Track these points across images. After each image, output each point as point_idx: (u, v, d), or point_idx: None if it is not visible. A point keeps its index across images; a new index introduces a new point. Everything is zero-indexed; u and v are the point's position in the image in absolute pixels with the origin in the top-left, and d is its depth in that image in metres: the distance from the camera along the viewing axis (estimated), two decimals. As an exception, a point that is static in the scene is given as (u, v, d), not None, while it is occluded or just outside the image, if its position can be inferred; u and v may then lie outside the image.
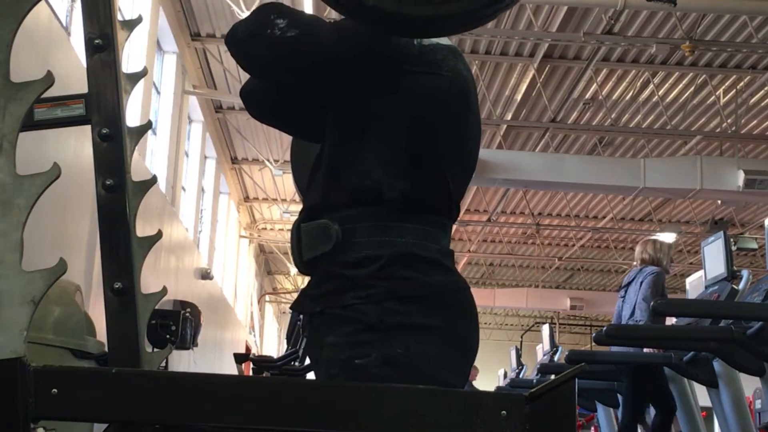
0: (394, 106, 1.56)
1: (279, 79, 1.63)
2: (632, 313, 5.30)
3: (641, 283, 5.29)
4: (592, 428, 10.08)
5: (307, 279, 1.66)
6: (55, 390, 1.18)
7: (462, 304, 1.59)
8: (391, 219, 1.54)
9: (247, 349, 16.72)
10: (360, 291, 1.51)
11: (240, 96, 1.73)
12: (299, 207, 1.69)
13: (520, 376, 9.75)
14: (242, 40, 1.56)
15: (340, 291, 1.53)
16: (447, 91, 1.59)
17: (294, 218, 2.20)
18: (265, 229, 18.75)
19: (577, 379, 1.17)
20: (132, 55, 8.35)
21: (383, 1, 1.40)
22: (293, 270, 17.93)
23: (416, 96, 1.56)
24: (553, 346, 8.37)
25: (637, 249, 5.60)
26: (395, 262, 1.52)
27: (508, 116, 12.33)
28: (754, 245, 15.57)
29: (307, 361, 5.59)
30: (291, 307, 1.76)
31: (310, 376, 5.25)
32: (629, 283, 5.46)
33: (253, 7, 9.64)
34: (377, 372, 1.46)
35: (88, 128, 1.87)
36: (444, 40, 1.66)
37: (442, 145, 1.59)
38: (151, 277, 7.38)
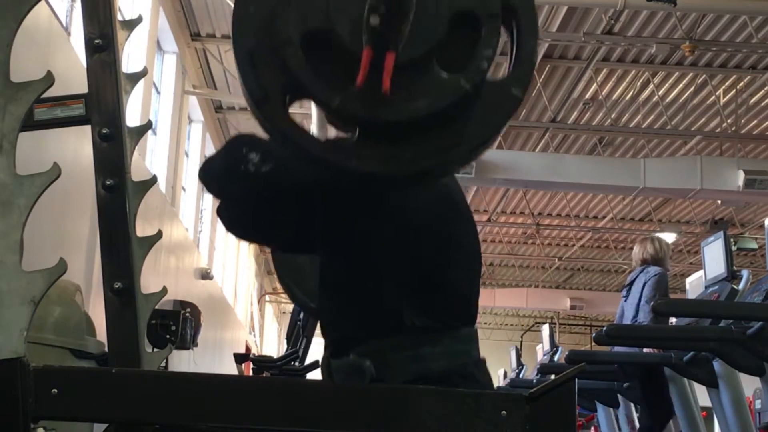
0: (382, 223, 1.50)
1: (257, 210, 1.56)
2: (635, 314, 5.28)
3: (644, 283, 5.28)
4: (592, 428, 10.08)
5: None
6: (55, 390, 1.18)
7: None
8: (421, 345, 1.49)
9: (247, 349, 16.72)
10: None
11: (217, 215, 1.61)
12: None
13: (520, 376, 9.74)
14: (216, 176, 1.52)
15: None
16: (430, 199, 1.53)
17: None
18: (265, 229, 18.73)
19: (577, 379, 1.17)
20: (132, 55, 8.35)
21: (366, 163, 1.25)
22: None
23: (408, 212, 1.50)
24: (553, 346, 8.36)
25: (636, 249, 5.57)
26: (426, 381, 1.45)
27: (508, 116, 12.33)
28: (754, 245, 15.57)
29: (308, 361, 5.58)
30: None
31: (310, 376, 5.26)
32: (631, 284, 5.45)
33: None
34: None
35: (88, 128, 1.87)
36: None
37: (440, 255, 1.53)
38: (151, 277, 7.37)
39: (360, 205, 1.48)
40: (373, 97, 1.19)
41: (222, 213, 1.58)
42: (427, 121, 1.22)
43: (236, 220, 1.59)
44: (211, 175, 1.52)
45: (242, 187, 1.47)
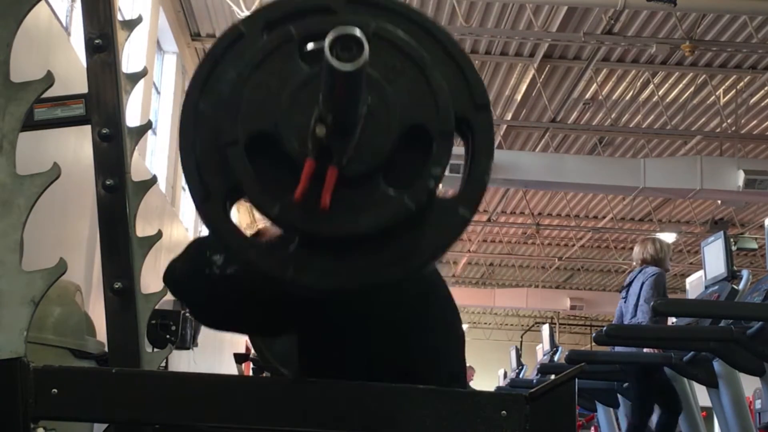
0: (356, 315, 1.45)
1: (227, 311, 1.53)
2: (634, 314, 5.29)
3: (642, 284, 5.28)
4: (592, 428, 10.08)
5: None
6: (55, 390, 1.18)
7: None
8: None
9: (247, 349, 16.70)
10: None
11: (189, 311, 1.62)
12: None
13: (520, 376, 9.76)
14: (180, 283, 1.49)
15: None
16: (410, 294, 1.48)
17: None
18: (265, 229, 18.75)
19: (577, 379, 1.17)
20: (132, 55, 8.35)
21: (303, 275, 1.20)
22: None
23: (381, 305, 1.45)
24: (553, 346, 8.37)
25: (636, 249, 5.58)
26: None
27: (508, 116, 12.33)
28: (754, 245, 15.57)
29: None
30: None
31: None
32: (630, 284, 5.46)
33: (254, 7, 9.57)
34: None
35: (88, 128, 1.87)
36: None
37: (422, 343, 1.51)
38: (151, 277, 7.36)
39: (327, 307, 1.43)
40: (312, 210, 1.14)
41: (193, 313, 1.58)
42: (369, 237, 1.18)
43: (207, 319, 1.58)
44: (175, 280, 1.49)
45: (208, 291, 1.44)
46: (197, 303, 1.51)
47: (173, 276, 1.49)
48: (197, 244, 1.51)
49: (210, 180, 1.17)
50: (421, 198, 1.16)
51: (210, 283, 1.42)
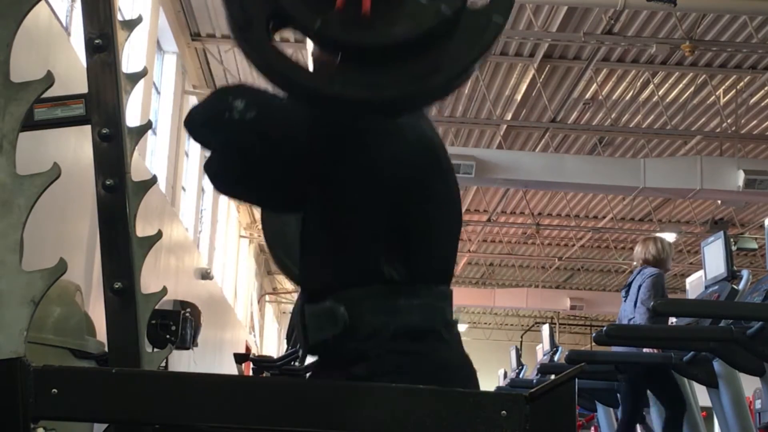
0: (364, 175, 1.51)
1: (243, 159, 1.56)
2: (632, 316, 5.29)
3: (640, 285, 5.29)
4: (592, 428, 10.08)
5: None
6: (55, 390, 1.18)
7: (466, 381, 1.56)
8: (397, 297, 1.50)
9: (247, 349, 16.72)
10: (365, 366, 1.48)
11: (204, 170, 1.62)
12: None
13: (520, 376, 9.75)
14: (200, 124, 1.52)
15: (345, 365, 1.50)
16: (412, 151, 1.55)
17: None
18: (265, 229, 18.71)
19: (577, 379, 1.17)
20: (132, 55, 8.35)
21: (348, 88, 1.26)
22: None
23: (383, 161, 1.52)
24: (553, 346, 8.36)
25: (638, 248, 5.57)
26: (403, 338, 1.49)
27: (508, 116, 12.33)
28: (754, 245, 15.57)
29: (308, 361, 5.58)
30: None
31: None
32: (630, 285, 5.46)
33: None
34: None
35: (88, 128, 1.87)
36: None
37: (422, 209, 1.55)
38: (151, 277, 7.37)
39: (341, 153, 1.50)
40: (353, 21, 1.20)
41: (208, 167, 1.59)
42: (407, 47, 1.23)
43: (222, 174, 1.59)
44: (196, 122, 1.52)
45: (225, 135, 1.48)
46: (212, 146, 1.53)
47: (194, 118, 1.52)
48: (220, 90, 1.53)
49: (250, 6, 1.22)
50: (455, 5, 1.22)
51: (230, 126, 1.46)
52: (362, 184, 1.51)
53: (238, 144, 1.49)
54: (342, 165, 1.51)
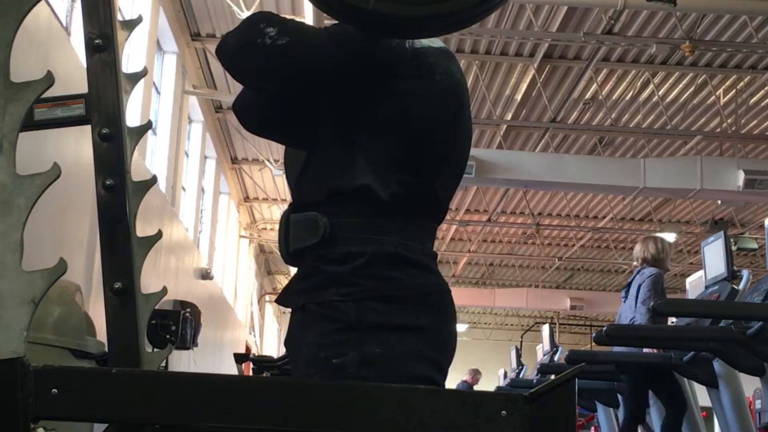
0: (387, 110, 1.55)
1: (272, 88, 1.60)
2: (632, 315, 5.29)
3: (639, 285, 5.29)
4: (592, 428, 10.08)
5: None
6: (55, 390, 1.18)
7: (443, 306, 1.59)
8: (378, 218, 1.54)
9: (247, 349, 16.72)
10: (341, 288, 1.51)
11: (233, 109, 1.68)
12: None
13: (520, 376, 9.75)
14: (233, 51, 1.54)
15: (321, 287, 1.53)
16: (440, 94, 1.59)
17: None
18: (265, 229, 18.74)
19: (577, 379, 1.17)
20: (132, 55, 8.35)
21: (381, 4, 1.41)
22: (293, 270, 17.92)
23: (409, 100, 1.56)
24: (553, 346, 8.37)
25: (637, 247, 5.57)
26: (378, 261, 1.52)
27: (508, 116, 12.33)
28: (754, 245, 15.57)
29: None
30: (276, 300, 1.77)
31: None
32: (629, 285, 5.47)
33: (254, 7, 9.56)
34: (354, 372, 1.46)
35: (88, 128, 1.87)
36: (436, 42, 1.65)
37: (433, 149, 1.59)
38: (151, 277, 7.37)
39: (369, 89, 1.55)
40: None
41: (237, 104, 1.64)
42: None
43: (249, 110, 1.64)
44: (227, 49, 1.55)
45: (258, 60, 1.51)
46: (244, 72, 1.56)
47: (226, 45, 1.56)
48: (252, 18, 1.55)
49: None
50: None
51: (263, 51, 1.49)
52: (383, 118, 1.55)
53: (270, 70, 1.52)
54: (366, 99, 1.55)
